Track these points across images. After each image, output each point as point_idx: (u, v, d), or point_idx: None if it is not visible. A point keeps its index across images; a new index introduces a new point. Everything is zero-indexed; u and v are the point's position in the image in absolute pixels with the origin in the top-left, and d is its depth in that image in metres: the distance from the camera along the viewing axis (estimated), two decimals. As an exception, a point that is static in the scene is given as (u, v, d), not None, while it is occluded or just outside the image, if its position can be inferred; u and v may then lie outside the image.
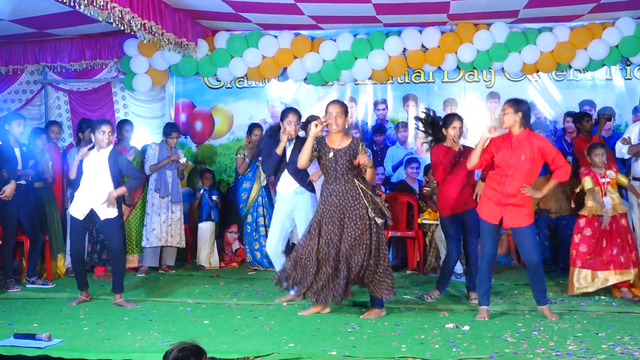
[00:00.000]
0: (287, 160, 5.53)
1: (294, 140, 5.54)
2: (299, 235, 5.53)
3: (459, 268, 6.67)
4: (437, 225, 6.78)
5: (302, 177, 5.55)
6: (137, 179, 5.63)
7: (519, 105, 4.86)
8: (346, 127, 5.06)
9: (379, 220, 4.94)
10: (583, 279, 5.62)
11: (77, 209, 5.43)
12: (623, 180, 5.79)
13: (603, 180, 5.61)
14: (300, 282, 5.04)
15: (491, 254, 5.02)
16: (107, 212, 5.42)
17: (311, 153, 4.98)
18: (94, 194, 5.38)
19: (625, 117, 7.60)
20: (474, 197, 5.49)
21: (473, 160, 4.97)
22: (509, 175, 4.82)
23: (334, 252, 4.91)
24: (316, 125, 4.86)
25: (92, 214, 5.42)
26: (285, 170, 5.54)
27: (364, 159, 4.84)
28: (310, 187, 5.63)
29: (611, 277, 5.53)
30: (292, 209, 5.57)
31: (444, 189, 5.54)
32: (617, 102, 7.68)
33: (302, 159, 5.01)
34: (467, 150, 5.52)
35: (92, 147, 5.42)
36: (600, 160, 5.63)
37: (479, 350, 4.04)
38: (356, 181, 4.97)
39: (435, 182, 6.14)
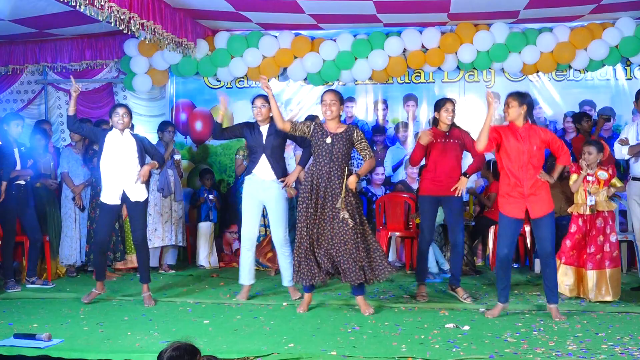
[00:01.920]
0: (264, 143, 5.55)
1: (268, 124, 5.58)
2: (272, 229, 5.63)
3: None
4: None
5: (278, 165, 5.57)
6: (161, 157, 5.81)
7: (523, 98, 4.92)
8: (341, 114, 5.19)
9: (350, 222, 4.99)
10: (565, 275, 5.62)
11: (110, 194, 5.46)
12: (617, 184, 5.65)
13: (590, 178, 5.57)
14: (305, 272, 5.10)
15: (505, 255, 4.96)
16: (138, 194, 5.48)
17: (280, 113, 5.19)
18: (124, 176, 5.43)
19: (625, 118, 7.57)
20: (451, 189, 5.44)
21: (482, 140, 4.88)
22: (523, 166, 4.86)
23: (323, 233, 5.02)
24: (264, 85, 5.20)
25: (123, 198, 5.47)
26: (264, 156, 5.55)
27: (352, 183, 5.01)
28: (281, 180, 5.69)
29: (589, 275, 5.51)
30: (265, 197, 5.60)
31: (429, 167, 5.55)
32: (617, 103, 7.67)
33: (278, 122, 5.19)
34: (454, 131, 5.54)
35: (111, 128, 5.52)
36: (589, 158, 5.56)
37: (479, 350, 4.04)
38: (347, 169, 5.07)
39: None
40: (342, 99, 5.21)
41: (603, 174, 5.57)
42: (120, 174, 5.43)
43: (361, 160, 5.70)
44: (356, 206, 5.07)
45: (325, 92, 5.20)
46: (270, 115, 5.44)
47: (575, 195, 5.70)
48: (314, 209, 5.04)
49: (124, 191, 5.45)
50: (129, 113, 5.54)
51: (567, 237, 5.68)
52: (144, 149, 5.58)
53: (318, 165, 5.08)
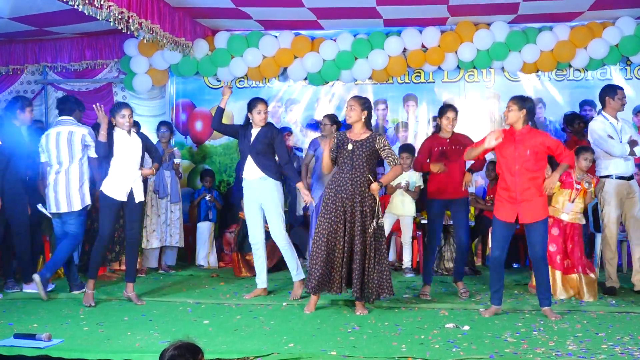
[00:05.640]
0: (251, 144, 5.64)
1: (260, 127, 5.66)
2: (270, 227, 5.70)
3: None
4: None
5: (265, 164, 5.63)
6: (159, 158, 5.88)
7: (524, 102, 4.93)
8: (363, 119, 5.15)
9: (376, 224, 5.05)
10: (555, 281, 5.62)
11: (118, 190, 5.47)
12: (592, 194, 5.71)
13: (577, 186, 5.59)
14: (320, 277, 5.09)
15: (497, 257, 4.99)
16: (141, 194, 5.58)
17: (331, 154, 5.18)
18: (133, 174, 5.51)
19: (626, 118, 7.55)
20: (462, 188, 5.62)
21: (471, 157, 5.21)
22: (516, 171, 4.86)
23: (342, 242, 5.03)
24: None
25: (129, 196, 5.50)
26: (249, 157, 5.66)
27: (374, 190, 5.04)
28: (277, 175, 5.70)
29: (579, 280, 5.58)
30: (258, 196, 5.69)
31: (435, 172, 5.67)
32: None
33: (325, 163, 5.22)
34: (456, 137, 5.70)
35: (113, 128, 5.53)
36: (587, 165, 5.63)
37: (479, 350, 4.04)
38: (370, 176, 5.09)
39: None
40: (365, 105, 5.15)
41: (589, 185, 5.61)
42: (130, 172, 5.51)
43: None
44: (375, 209, 5.08)
45: (351, 96, 5.32)
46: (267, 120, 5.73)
47: (555, 198, 5.68)
48: (339, 217, 5.04)
49: (131, 189, 5.50)
50: (132, 113, 5.61)
51: (549, 241, 5.63)
52: (147, 148, 5.67)
53: (341, 173, 5.12)
